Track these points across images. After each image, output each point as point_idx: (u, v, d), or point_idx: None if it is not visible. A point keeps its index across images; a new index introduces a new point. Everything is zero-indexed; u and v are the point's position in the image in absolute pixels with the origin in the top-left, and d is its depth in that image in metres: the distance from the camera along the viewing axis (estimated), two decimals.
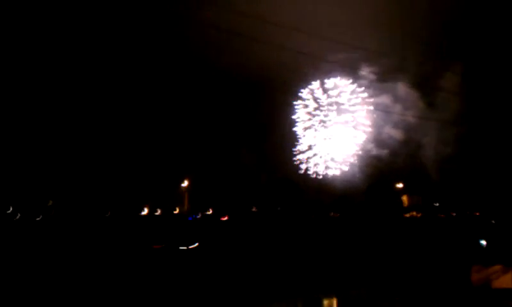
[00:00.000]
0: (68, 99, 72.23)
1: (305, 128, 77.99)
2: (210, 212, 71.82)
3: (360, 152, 75.39)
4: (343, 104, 77.33)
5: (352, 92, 77.71)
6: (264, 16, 70.83)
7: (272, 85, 76.07)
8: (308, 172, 76.28)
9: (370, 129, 76.27)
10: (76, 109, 72.57)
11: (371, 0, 74.70)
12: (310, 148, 77.51)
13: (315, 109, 78.39)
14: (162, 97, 75.51)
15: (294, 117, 78.61)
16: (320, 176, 75.39)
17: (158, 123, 74.47)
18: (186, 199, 70.12)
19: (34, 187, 67.54)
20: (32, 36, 70.99)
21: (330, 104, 77.91)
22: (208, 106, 76.96)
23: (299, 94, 79.33)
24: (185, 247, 51.37)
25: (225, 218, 67.97)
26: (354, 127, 76.56)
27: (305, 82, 79.41)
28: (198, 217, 69.67)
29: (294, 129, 78.70)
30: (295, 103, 78.94)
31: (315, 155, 77.10)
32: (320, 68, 77.31)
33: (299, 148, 77.77)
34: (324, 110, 77.94)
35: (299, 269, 42.66)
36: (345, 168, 75.24)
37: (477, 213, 63.61)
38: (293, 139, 78.94)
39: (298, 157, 77.12)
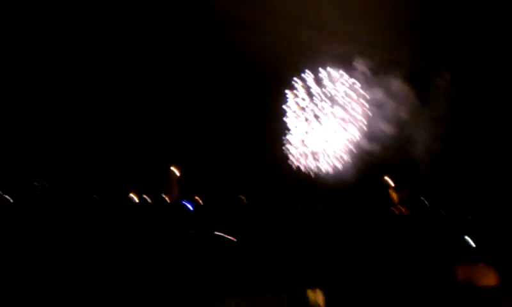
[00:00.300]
0: (56, 85, 71.90)
1: (295, 119, 77.69)
2: (199, 201, 71.70)
3: (352, 147, 75.42)
4: (335, 96, 77.08)
5: (346, 84, 77.50)
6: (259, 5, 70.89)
7: (263, 72, 75.85)
8: (297, 164, 76.26)
9: (362, 123, 76.25)
10: (63, 93, 72.17)
11: None
12: (300, 140, 77.34)
13: (306, 100, 78.07)
14: (151, 83, 75.22)
15: (284, 106, 78.17)
16: (310, 172, 75.40)
17: (147, 110, 74.25)
18: (175, 186, 69.93)
19: (20, 168, 67.22)
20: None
21: (322, 95, 77.66)
22: (198, 93, 76.60)
23: (291, 83, 78.82)
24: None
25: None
26: (347, 121, 76.41)
27: (297, 72, 79.04)
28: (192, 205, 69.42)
29: (285, 119, 78.37)
30: (286, 91, 78.52)
31: (304, 147, 76.96)
32: (313, 59, 77.04)
33: (288, 138, 77.59)
34: (316, 102, 77.69)
35: (284, 261, 42.76)
36: (337, 164, 75.30)
37: (464, 211, 63.93)
38: (283, 128, 78.80)
39: (287, 146, 76.97)
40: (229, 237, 48.81)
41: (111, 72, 73.97)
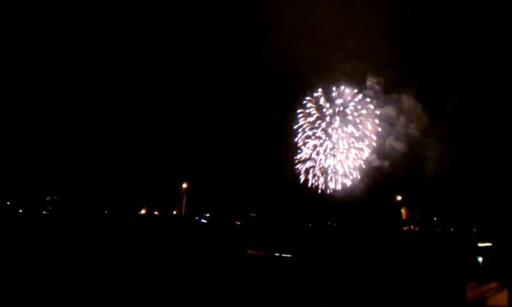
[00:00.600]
0: (73, 101, 72.93)
1: (306, 138, 77.62)
2: (208, 215, 71.88)
3: (363, 166, 75.16)
4: (347, 114, 77.00)
5: (358, 102, 77.45)
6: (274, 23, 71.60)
7: (276, 91, 76.14)
8: (308, 183, 76.12)
9: (373, 141, 76.12)
10: (80, 111, 73.12)
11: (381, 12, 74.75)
12: (310, 158, 77.18)
13: (318, 118, 77.99)
14: (163, 100, 75.87)
15: (295, 127, 78.15)
16: (319, 190, 75.28)
17: (158, 126, 74.80)
18: (184, 201, 70.03)
19: (37, 184, 67.85)
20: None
21: (334, 114, 77.58)
22: (210, 110, 77.05)
23: (303, 102, 78.78)
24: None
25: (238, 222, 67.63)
26: (358, 138, 76.27)
27: (309, 91, 79.08)
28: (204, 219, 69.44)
29: (297, 138, 78.30)
30: (298, 109, 78.52)
31: (313, 167, 76.87)
32: (326, 77, 77.15)
33: (300, 156, 77.52)
34: (327, 120, 77.61)
35: (294, 275, 42.51)
36: (348, 181, 75.08)
37: (475, 230, 63.40)
38: (295, 146, 78.78)
39: (298, 166, 76.83)
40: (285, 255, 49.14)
41: (125, 91, 75.09)
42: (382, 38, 73.11)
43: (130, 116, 74.58)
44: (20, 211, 62.76)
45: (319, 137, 77.67)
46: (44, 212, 64.76)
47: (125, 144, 73.56)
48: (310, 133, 77.96)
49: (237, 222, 68.91)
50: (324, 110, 77.75)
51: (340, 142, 77.08)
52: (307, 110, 78.23)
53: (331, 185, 75.25)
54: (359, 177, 74.46)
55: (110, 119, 73.72)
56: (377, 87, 75.95)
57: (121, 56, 74.20)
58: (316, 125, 77.92)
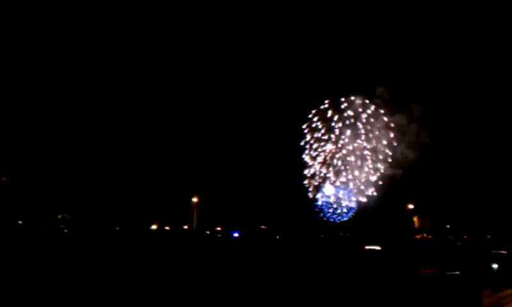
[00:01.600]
0: (83, 118, 73.39)
1: (314, 152, 77.23)
2: (219, 228, 71.69)
3: (374, 174, 74.69)
4: (357, 123, 76.51)
5: (368, 111, 76.99)
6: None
7: (283, 103, 76.06)
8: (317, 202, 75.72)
9: (385, 150, 75.64)
10: (90, 126, 73.50)
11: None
12: (319, 175, 76.83)
13: (326, 132, 77.39)
14: (173, 117, 76.07)
15: (302, 142, 77.78)
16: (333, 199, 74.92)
17: (168, 142, 74.95)
18: (195, 215, 69.96)
19: (49, 202, 68.05)
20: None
21: (343, 126, 77.11)
22: (217, 125, 77.15)
23: (313, 113, 78.31)
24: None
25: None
26: (369, 148, 75.77)
27: (318, 102, 78.73)
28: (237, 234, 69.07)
29: (304, 155, 77.93)
30: (304, 126, 77.97)
31: (327, 172, 76.48)
32: (334, 87, 76.97)
33: (307, 172, 77.12)
34: (336, 133, 77.05)
35: (305, 289, 42.20)
36: (360, 190, 74.62)
37: (489, 237, 62.73)
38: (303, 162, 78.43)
39: (306, 183, 76.38)
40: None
41: (136, 108, 75.53)
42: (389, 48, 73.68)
43: (139, 132, 74.76)
44: (38, 229, 63.01)
45: (330, 148, 77.37)
46: (57, 229, 64.95)
47: (134, 160, 73.79)
48: (318, 147, 77.62)
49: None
50: (333, 123, 77.34)
51: (351, 152, 76.73)
52: (313, 125, 77.80)
53: (345, 204, 74.95)
54: (375, 193, 73.92)
55: (119, 134, 74.01)
56: (386, 96, 75.61)
57: (133, 70, 74.75)
58: (324, 139, 77.53)
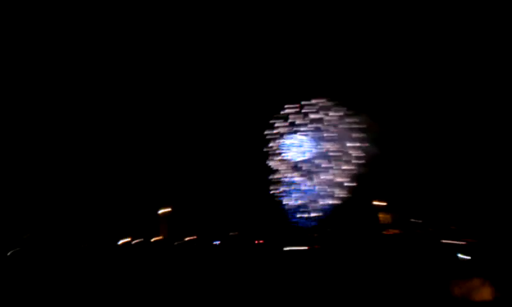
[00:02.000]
0: (43, 131, 71.95)
1: (278, 159, 77.63)
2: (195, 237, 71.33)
3: (340, 173, 75.51)
4: (320, 123, 77.27)
5: (330, 114, 77.81)
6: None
7: (247, 108, 76.17)
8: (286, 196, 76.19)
9: (348, 148, 76.59)
10: (50, 142, 72.14)
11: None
12: (284, 181, 77.24)
13: (288, 138, 77.92)
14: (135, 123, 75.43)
15: (265, 149, 78.11)
16: (298, 202, 75.38)
17: (131, 153, 74.21)
18: (165, 227, 69.41)
19: (9, 220, 66.55)
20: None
21: (307, 126, 77.79)
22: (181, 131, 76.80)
23: (276, 118, 78.72)
24: None
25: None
26: (333, 147, 76.61)
27: (281, 106, 79.18)
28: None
29: (268, 161, 78.22)
30: (266, 132, 78.33)
31: (291, 175, 76.98)
32: (296, 91, 77.46)
33: (273, 178, 77.51)
34: (301, 133, 77.73)
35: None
36: (325, 190, 75.31)
37: (454, 228, 64.18)
38: (269, 165, 78.72)
39: (273, 188, 76.81)
40: None
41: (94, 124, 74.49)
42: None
43: (102, 146, 73.84)
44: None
45: (294, 152, 77.91)
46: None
47: (99, 174, 72.85)
48: (282, 153, 78.10)
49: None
50: (296, 128, 77.94)
51: (314, 153, 77.44)
52: (276, 130, 78.28)
53: (309, 198, 75.57)
54: (343, 194, 74.94)
55: (81, 150, 73.00)
56: (347, 95, 76.60)
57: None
58: (288, 145, 78.04)
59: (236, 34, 75.50)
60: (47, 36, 71.23)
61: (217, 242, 67.61)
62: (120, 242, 71.33)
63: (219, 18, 74.64)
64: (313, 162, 77.97)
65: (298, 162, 77.99)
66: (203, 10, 74.32)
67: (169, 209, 69.95)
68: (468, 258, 49.34)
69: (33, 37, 70.90)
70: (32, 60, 71.27)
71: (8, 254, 62.58)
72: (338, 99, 77.47)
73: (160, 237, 70.10)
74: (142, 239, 71.13)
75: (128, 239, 71.16)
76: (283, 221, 71.85)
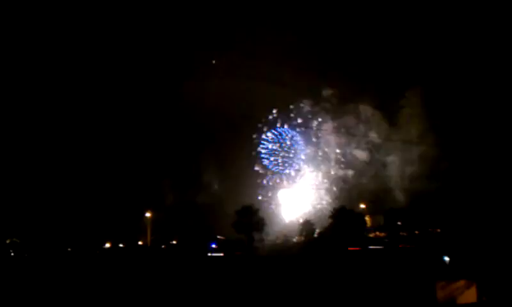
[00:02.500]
0: (26, 134, 71.54)
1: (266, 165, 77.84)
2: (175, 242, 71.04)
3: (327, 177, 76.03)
4: (307, 130, 77.64)
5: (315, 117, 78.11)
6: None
7: (235, 117, 76.05)
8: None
9: (335, 152, 77.11)
10: (33, 145, 71.70)
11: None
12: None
13: (275, 143, 78.15)
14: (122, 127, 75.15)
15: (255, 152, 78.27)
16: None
17: (115, 155, 73.94)
18: (149, 230, 69.09)
19: None
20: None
21: (294, 132, 78.00)
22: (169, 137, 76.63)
23: (260, 126, 78.83)
24: None
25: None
26: (320, 151, 77.10)
27: (266, 113, 79.25)
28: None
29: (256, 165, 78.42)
30: (254, 136, 78.47)
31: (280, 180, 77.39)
32: (282, 96, 77.54)
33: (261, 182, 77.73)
34: (288, 140, 77.94)
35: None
36: (313, 193, 75.82)
37: (438, 230, 64.60)
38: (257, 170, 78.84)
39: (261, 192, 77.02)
40: None
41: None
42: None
43: (85, 148, 73.50)
44: None
45: (281, 158, 78.12)
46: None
47: (82, 178, 72.47)
48: (269, 157, 78.28)
49: None
50: (283, 132, 78.15)
51: (302, 158, 77.74)
52: (264, 135, 78.49)
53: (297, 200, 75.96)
54: (325, 189, 75.47)
55: (64, 152, 72.62)
56: (333, 99, 77.10)
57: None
58: (275, 149, 78.25)
59: (226, 34, 76.02)
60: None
61: (214, 244, 67.35)
62: (106, 245, 71.00)
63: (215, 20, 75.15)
64: (301, 166, 78.35)
65: (285, 166, 78.37)
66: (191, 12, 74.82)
67: (151, 213, 69.58)
68: (453, 260, 49.58)
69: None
70: (28, 61, 71.17)
71: None
72: (325, 103, 78.17)
73: (146, 241, 69.90)
74: (127, 243, 70.86)
75: (110, 244, 71.04)
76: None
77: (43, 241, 67.41)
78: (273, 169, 78.55)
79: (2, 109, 69.94)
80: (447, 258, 49.29)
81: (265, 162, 78.38)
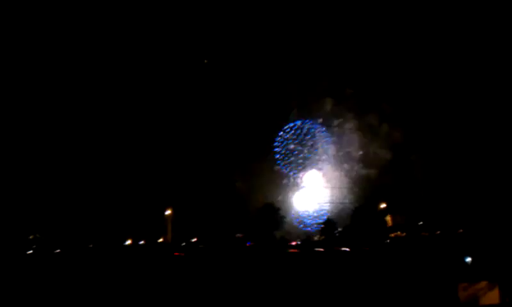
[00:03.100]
0: (50, 133, 72.16)
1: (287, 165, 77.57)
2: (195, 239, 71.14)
3: (348, 176, 75.60)
4: (329, 129, 77.19)
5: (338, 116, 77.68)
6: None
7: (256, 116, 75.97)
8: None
9: (356, 151, 76.61)
10: (57, 143, 72.33)
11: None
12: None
13: (297, 142, 77.89)
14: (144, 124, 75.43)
15: (276, 152, 78.03)
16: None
17: (135, 152, 74.22)
18: (169, 227, 69.33)
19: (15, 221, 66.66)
20: None
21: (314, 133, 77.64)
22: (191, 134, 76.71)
23: (283, 125, 78.59)
24: None
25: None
26: (341, 151, 76.62)
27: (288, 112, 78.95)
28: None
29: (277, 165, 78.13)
30: (278, 138, 78.26)
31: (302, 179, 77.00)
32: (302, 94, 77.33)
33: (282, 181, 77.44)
34: (310, 141, 77.59)
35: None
36: (334, 193, 75.36)
37: (461, 230, 63.89)
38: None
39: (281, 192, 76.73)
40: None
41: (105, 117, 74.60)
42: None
43: (107, 147, 73.95)
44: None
45: (304, 157, 77.82)
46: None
47: (104, 175, 72.92)
48: (290, 156, 78.00)
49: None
50: (304, 131, 77.83)
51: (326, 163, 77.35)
52: (285, 134, 78.23)
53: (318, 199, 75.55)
54: (345, 189, 74.89)
55: (87, 150, 73.13)
56: (355, 97, 76.66)
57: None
58: (296, 148, 77.97)
59: (250, 40, 75.90)
60: (47, 36, 71.84)
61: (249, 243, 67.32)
62: (127, 242, 71.46)
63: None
64: (322, 165, 77.95)
65: (307, 166, 78.01)
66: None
67: (172, 211, 69.73)
68: (476, 261, 49.05)
69: (33, 37, 71.53)
70: (35, 61, 71.83)
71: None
72: (346, 103, 77.63)
73: (163, 239, 70.14)
74: (148, 240, 71.20)
75: (131, 241, 71.47)
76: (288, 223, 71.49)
77: (65, 237, 68.08)
78: (292, 169, 78.17)
79: (31, 108, 70.69)
80: (469, 259, 48.84)
81: (285, 161, 78.01)
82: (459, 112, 72.20)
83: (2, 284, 44.89)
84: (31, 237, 67.02)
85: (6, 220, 66.21)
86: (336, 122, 77.34)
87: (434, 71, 73.52)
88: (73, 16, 72.33)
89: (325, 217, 71.68)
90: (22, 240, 65.69)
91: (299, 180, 77.74)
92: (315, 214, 75.66)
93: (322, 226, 67.53)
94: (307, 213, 76.27)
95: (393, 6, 73.28)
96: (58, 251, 63.56)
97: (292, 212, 75.55)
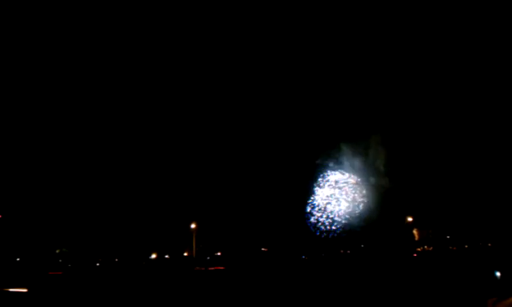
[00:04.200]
0: (73, 147, 73.12)
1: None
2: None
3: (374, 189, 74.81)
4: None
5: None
6: None
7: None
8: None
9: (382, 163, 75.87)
10: (81, 157, 73.19)
11: None
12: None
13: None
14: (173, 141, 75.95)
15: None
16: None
17: (161, 168, 74.65)
18: (194, 241, 69.51)
19: (46, 237, 67.41)
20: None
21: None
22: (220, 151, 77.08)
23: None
24: None
25: None
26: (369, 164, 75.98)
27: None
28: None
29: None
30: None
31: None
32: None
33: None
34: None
35: None
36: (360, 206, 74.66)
37: (490, 245, 62.76)
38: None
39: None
40: None
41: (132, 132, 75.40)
42: None
43: (132, 161, 74.52)
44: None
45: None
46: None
47: (129, 189, 73.41)
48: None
49: None
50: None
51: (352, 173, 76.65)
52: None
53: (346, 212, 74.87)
54: (372, 202, 73.91)
55: (112, 165, 73.84)
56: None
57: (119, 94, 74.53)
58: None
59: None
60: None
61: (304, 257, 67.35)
62: (152, 256, 71.83)
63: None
64: (349, 180, 77.26)
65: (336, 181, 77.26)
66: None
67: (196, 225, 69.88)
68: (505, 275, 47.97)
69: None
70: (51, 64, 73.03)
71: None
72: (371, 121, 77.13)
73: (188, 253, 70.31)
74: (172, 254, 71.45)
75: (156, 255, 71.74)
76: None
77: (91, 251, 68.70)
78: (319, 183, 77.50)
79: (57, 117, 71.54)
80: (498, 274, 47.75)
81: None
82: (486, 128, 71.21)
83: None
84: (57, 251, 67.85)
85: (34, 234, 67.09)
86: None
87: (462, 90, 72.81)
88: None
89: (351, 230, 71.13)
90: (49, 254, 66.45)
91: (326, 192, 77.10)
92: (340, 227, 75.06)
93: (349, 239, 66.96)
94: (333, 225, 75.72)
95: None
96: (86, 265, 64.04)
97: (319, 224, 75.14)
